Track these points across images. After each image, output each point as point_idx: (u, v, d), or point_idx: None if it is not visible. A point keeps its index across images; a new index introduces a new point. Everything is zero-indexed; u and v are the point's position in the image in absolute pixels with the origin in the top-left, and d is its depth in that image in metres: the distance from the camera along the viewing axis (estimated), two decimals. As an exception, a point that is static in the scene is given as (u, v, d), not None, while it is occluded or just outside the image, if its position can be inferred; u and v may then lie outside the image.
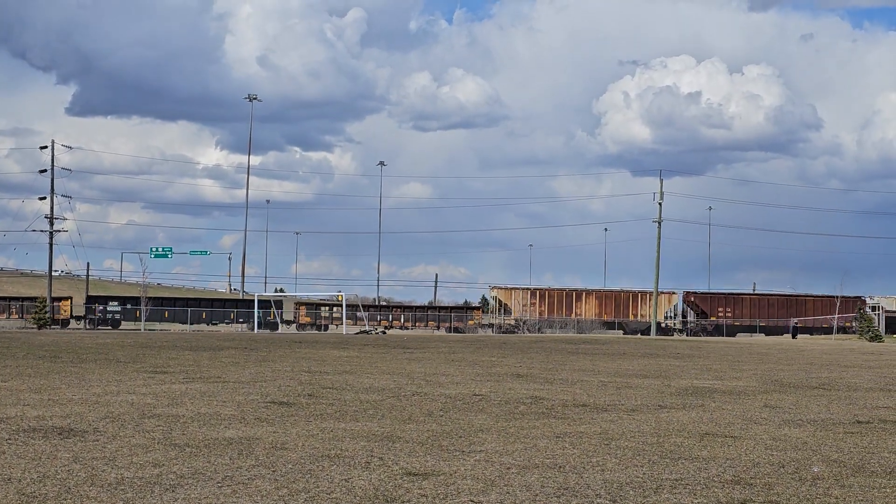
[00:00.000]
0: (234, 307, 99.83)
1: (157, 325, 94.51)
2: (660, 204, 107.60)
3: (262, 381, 23.88)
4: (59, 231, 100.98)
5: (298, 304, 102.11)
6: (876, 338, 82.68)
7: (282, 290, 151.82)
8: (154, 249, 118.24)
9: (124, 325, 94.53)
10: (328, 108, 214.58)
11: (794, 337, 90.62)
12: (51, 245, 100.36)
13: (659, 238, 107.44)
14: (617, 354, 41.86)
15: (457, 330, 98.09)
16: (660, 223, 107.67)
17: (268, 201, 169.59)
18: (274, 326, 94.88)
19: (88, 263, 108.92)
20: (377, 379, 25.31)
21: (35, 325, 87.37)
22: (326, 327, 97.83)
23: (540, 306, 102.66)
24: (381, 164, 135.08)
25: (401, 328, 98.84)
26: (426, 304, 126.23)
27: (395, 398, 20.39)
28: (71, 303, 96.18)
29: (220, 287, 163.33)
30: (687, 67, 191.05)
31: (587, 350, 45.42)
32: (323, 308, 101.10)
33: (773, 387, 25.93)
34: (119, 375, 25.15)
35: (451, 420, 16.93)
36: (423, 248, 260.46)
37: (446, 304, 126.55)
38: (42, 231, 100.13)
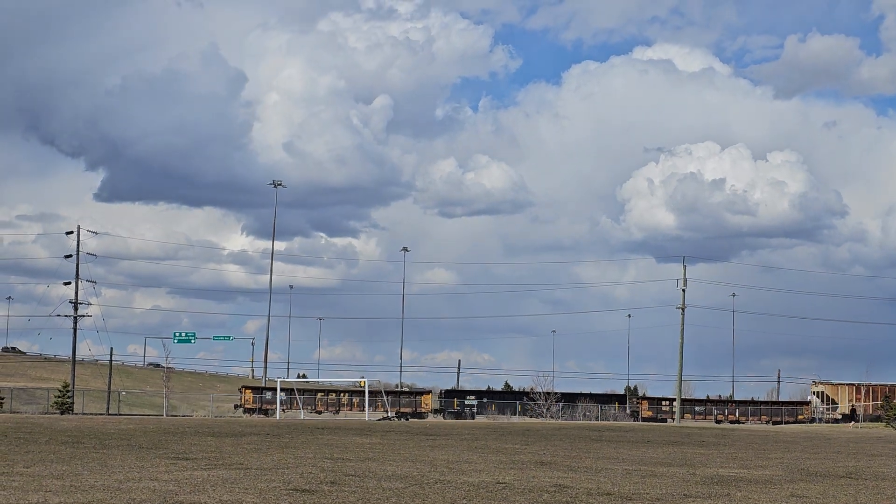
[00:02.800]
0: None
1: (178, 410, 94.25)
2: (683, 290, 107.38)
3: (285, 468, 23.77)
4: (84, 316, 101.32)
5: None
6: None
7: (304, 376, 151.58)
8: (177, 334, 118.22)
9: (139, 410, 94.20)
10: (354, 194, 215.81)
11: None
12: (75, 330, 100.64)
13: (683, 324, 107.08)
14: (641, 442, 41.54)
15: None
16: (683, 309, 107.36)
17: (291, 287, 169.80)
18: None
19: (112, 349, 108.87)
20: (400, 466, 25.16)
21: (58, 411, 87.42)
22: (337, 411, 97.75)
23: (864, 400, 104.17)
24: (405, 249, 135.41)
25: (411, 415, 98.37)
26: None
27: (417, 486, 20.27)
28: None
29: (243, 372, 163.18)
30: (711, 154, 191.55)
31: (611, 437, 45.11)
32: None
33: (800, 476, 25.67)
34: (141, 461, 25.08)
35: (475, 508, 16.79)
36: (447, 335, 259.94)
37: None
38: (66, 316, 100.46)
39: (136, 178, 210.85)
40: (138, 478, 20.73)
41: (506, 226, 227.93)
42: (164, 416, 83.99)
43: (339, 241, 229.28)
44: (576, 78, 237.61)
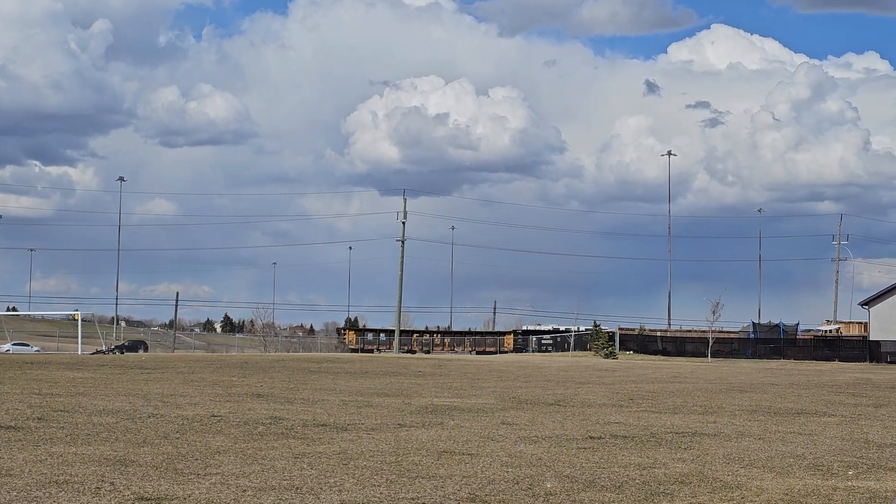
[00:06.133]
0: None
1: None
2: (403, 223, 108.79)
3: (-11, 405, 22.83)
4: None
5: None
6: (610, 355, 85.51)
7: (14, 309, 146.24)
8: None
9: None
10: (71, 122, 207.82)
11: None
12: None
13: (402, 257, 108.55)
14: (359, 373, 41.93)
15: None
16: (403, 242, 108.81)
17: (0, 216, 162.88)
18: None
19: None
20: (112, 401, 24.56)
21: None
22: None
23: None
24: (122, 179, 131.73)
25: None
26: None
27: (129, 420, 19.82)
28: None
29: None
30: (435, 88, 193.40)
31: (329, 369, 45.34)
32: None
33: (511, 404, 26.43)
34: None
35: (188, 442, 16.55)
36: (167, 266, 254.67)
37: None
38: None
39: None
40: None
41: (229, 156, 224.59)
42: None
43: (55, 170, 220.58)
44: (302, 8, 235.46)
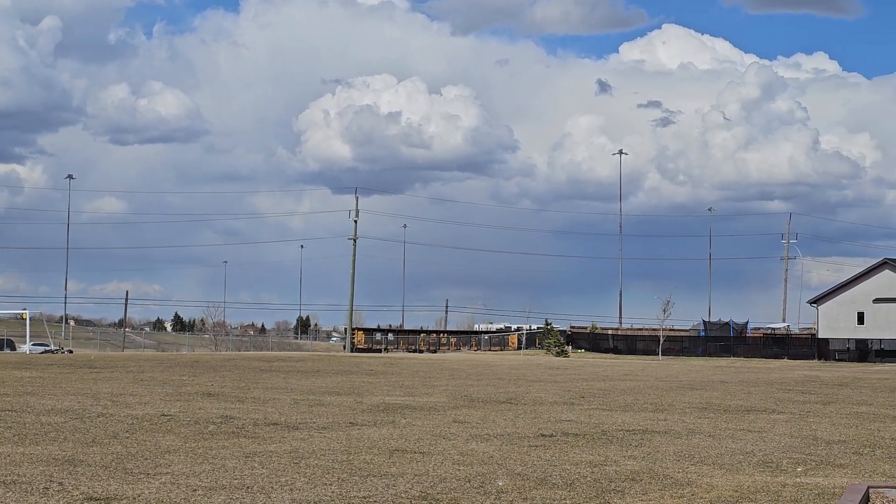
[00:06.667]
0: None
1: None
2: (355, 221, 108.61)
3: (-65, 405, 22.57)
4: None
5: None
6: (562, 353, 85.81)
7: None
8: None
9: None
10: (19, 119, 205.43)
11: None
12: None
13: (354, 255, 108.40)
14: (311, 372, 41.81)
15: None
16: (355, 240, 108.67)
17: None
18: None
19: None
20: (61, 400, 24.34)
21: None
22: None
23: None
24: (70, 177, 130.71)
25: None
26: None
27: (78, 420, 19.65)
28: None
29: None
30: (388, 86, 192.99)
31: (281, 368, 45.16)
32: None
33: (463, 402, 26.45)
34: None
35: (138, 442, 16.44)
36: (116, 265, 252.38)
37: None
38: None
39: None
40: None
41: (180, 154, 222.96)
42: None
43: (3, 168, 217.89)
44: (254, 6, 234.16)
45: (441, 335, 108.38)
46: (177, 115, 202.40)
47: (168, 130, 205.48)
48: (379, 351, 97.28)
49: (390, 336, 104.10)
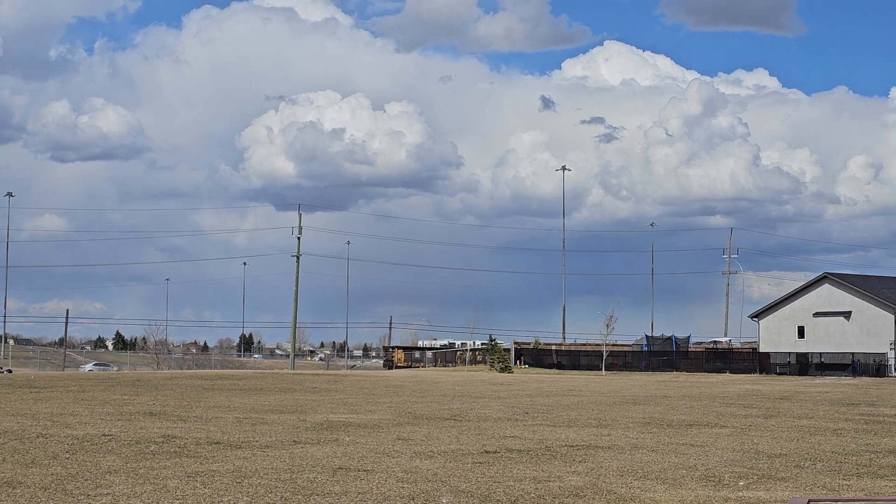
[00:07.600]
0: None
1: None
2: (299, 238, 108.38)
3: None
4: None
5: None
6: (506, 369, 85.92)
7: None
8: None
9: None
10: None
11: None
12: None
13: (298, 272, 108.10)
14: (254, 390, 41.56)
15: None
16: (298, 257, 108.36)
17: None
18: None
19: None
20: (-1, 421, 24.04)
21: None
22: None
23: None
24: (10, 194, 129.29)
25: None
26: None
27: (17, 440, 19.41)
28: None
29: None
30: (331, 103, 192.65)
31: (223, 386, 44.89)
32: None
33: (407, 419, 26.40)
34: None
35: (78, 462, 16.26)
36: (57, 283, 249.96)
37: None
38: None
39: None
40: None
41: (122, 171, 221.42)
42: None
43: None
44: (197, 22, 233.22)
45: (476, 352, 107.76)
46: (118, 132, 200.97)
47: (110, 147, 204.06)
48: (417, 368, 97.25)
49: (428, 354, 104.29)
